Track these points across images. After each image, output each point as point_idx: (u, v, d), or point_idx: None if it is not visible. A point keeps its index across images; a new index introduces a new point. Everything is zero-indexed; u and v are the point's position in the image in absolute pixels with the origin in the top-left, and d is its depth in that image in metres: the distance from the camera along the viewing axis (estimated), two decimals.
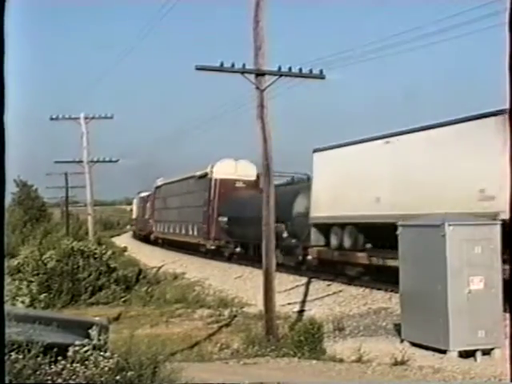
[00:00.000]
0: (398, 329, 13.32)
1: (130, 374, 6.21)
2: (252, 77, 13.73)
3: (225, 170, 36.48)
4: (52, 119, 33.31)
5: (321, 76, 14.36)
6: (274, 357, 11.47)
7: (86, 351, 6.35)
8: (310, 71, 14.22)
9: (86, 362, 6.15)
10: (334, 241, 22.90)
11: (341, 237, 22.36)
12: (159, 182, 51.01)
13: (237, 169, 36.43)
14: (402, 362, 10.73)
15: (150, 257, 41.89)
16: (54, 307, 20.29)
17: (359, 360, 11.30)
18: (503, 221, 11.80)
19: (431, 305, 11.68)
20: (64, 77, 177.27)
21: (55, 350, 6.17)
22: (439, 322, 11.41)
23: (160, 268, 33.46)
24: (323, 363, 10.87)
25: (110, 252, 26.03)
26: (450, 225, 11.45)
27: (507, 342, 10.59)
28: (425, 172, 17.78)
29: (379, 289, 19.62)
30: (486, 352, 11.30)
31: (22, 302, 19.70)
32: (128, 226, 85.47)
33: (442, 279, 11.41)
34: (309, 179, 25.94)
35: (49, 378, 5.87)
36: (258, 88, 13.70)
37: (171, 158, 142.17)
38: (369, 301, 18.80)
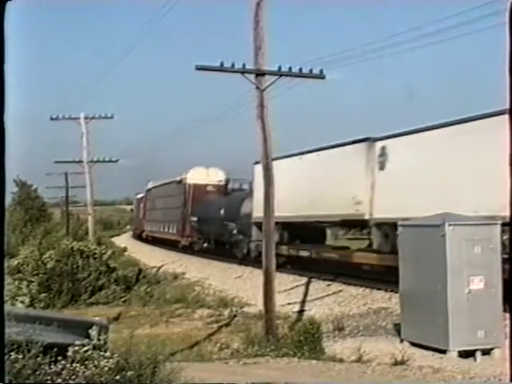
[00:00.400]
0: (397, 329, 13.32)
1: (129, 373, 6.21)
2: (252, 77, 13.73)
3: (198, 176, 42.14)
4: (52, 119, 33.34)
5: (321, 76, 14.36)
6: (273, 357, 11.46)
7: (85, 351, 6.35)
8: (310, 71, 14.22)
9: (86, 362, 6.16)
10: None
11: None
12: (149, 185, 55.95)
13: (208, 175, 42.12)
14: (402, 362, 10.72)
15: (149, 257, 41.90)
16: (53, 307, 20.28)
17: (359, 360, 11.29)
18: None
19: (431, 305, 11.68)
20: (64, 77, 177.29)
21: (55, 349, 6.17)
22: (439, 322, 11.41)
23: (160, 268, 33.46)
24: (323, 363, 10.86)
25: (109, 252, 26.03)
26: (450, 225, 11.45)
27: (507, 341, 10.60)
28: (315, 184, 23.61)
29: (379, 289, 19.67)
30: (486, 352, 11.30)
31: (22, 302, 19.69)
32: (128, 226, 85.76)
33: (441, 279, 11.41)
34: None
35: (48, 377, 5.87)
36: (258, 88, 13.70)
37: (171, 158, 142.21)
38: (369, 301, 18.81)
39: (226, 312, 18.84)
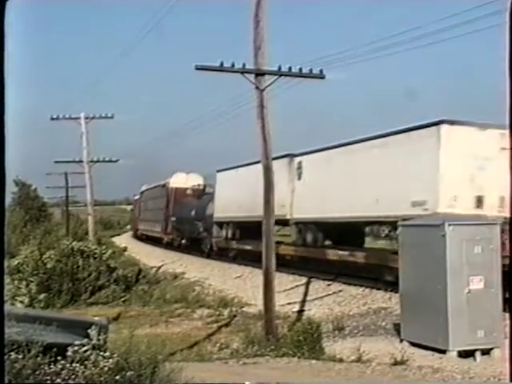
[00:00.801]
0: (397, 329, 13.33)
1: (129, 373, 6.21)
2: (252, 77, 13.73)
3: (179, 180, 47.06)
4: (52, 119, 33.31)
5: (321, 76, 14.35)
6: (273, 356, 11.46)
7: (85, 351, 6.35)
8: (310, 71, 14.22)
9: (86, 362, 6.16)
10: (224, 234, 33.91)
11: (227, 231, 33.37)
12: (143, 188, 60.55)
13: (187, 179, 46.79)
14: (402, 362, 10.72)
15: (149, 256, 41.90)
16: (53, 307, 20.27)
17: (359, 360, 11.29)
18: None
19: (431, 304, 11.68)
20: (64, 76, 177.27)
21: (55, 349, 6.17)
22: (439, 322, 11.41)
23: (160, 268, 33.48)
24: (323, 363, 10.86)
25: (109, 252, 26.04)
26: (450, 225, 11.45)
27: (507, 341, 10.59)
28: (254, 190, 24.16)
29: (379, 289, 19.68)
30: (486, 352, 11.31)
31: (21, 302, 19.69)
32: (128, 226, 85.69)
33: (441, 279, 11.41)
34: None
35: (48, 377, 5.87)
36: (257, 88, 13.70)
37: (171, 158, 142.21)
38: (368, 301, 18.82)
39: (226, 312, 18.84)
